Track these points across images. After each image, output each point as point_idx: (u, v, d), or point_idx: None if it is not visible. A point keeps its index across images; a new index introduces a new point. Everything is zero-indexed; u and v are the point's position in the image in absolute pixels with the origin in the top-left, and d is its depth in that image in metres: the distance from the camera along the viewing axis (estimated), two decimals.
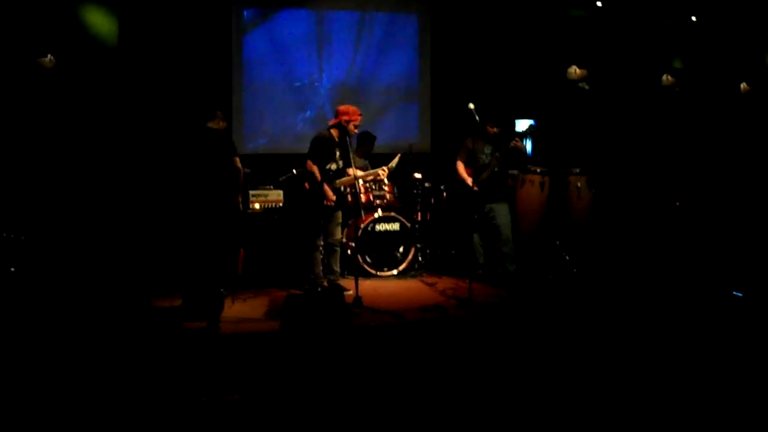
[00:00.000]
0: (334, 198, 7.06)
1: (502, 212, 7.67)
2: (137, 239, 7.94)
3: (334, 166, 7.17)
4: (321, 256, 7.28)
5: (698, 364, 5.08)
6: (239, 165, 6.76)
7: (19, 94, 7.75)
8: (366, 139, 8.58)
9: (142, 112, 8.54)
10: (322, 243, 7.22)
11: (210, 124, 6.68)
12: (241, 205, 7.07)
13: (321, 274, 7.23)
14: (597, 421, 4.15)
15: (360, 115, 7.15)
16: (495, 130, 7.68)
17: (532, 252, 7.98)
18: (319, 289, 7.12)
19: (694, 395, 4.49)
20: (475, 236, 7.77)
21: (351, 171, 7.19)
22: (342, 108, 7.13)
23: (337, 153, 7.19)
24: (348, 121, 7.04)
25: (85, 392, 4.52)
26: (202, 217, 6.51)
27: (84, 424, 4.10)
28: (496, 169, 7.59)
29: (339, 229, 7.35)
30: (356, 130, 7.22)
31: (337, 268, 7.37)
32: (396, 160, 7.57)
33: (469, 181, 7.63)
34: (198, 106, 7.39)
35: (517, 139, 7.57)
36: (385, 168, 7.53)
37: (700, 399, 4.43)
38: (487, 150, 7.69)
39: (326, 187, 7.01)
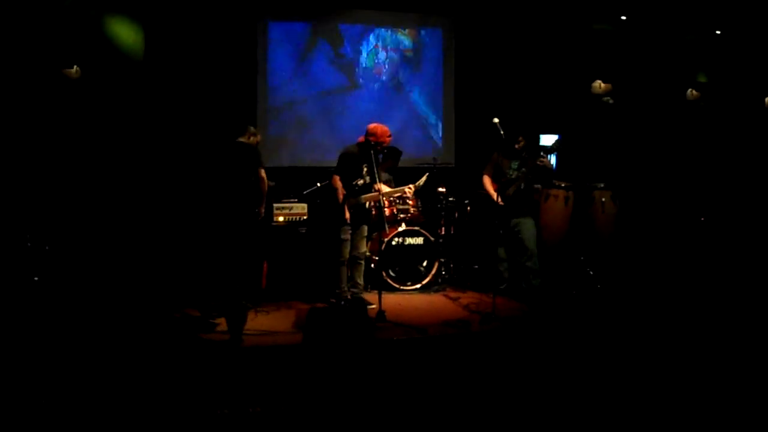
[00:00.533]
0: (348, 219, 7.04)
1: (527, 226, 7.59)
2: (162, 249, 7.95)
3: (360, 182, 7.15)
4: (347, 270, 7.25)
5: (723, 379, 5.02)
6: (263, 175, 6.77)
7: (44, 104, 7.81)
8: (391, 154, 8.55)
9: (167, 124, 8.57)
10: (347, 257, 7.19)
11: (241, 139, 6.69)
12: (262, 215, 7.06)
13: (346, 288, 7.20)
14: None
15: (390, 136, 7.12)
16: (521, 145, 7.64)
17: (556, 267, 7.92)
18: (343, 303, 7.10)
19: (719, 411, 4.45)
20: (500, 250, 7.70)
21: (377, 186, 7.16)
22: (371, 127, 7.09)
23: (364, 169, 7.17)
24: (376, 143, 7.03)
25: (106, 402, 4.52)
26: (226, 228, 6.51)
27: None
28: (522, 186, 7.54)
29: (364, 242, 7.34)
30: (381, 149, 7.22)
31: (361, 282, 7.36)
32: (423, 179, 7.52)
33: (495, 195, 7.58)
34: (227, 120, 7.42)
35: (543, 155, 7.51)
36: (411, 186, 7.50)
37: (726, 413, 4.39)
38: (514, 165, 7.64)
39: (346, 208, 7.00)
